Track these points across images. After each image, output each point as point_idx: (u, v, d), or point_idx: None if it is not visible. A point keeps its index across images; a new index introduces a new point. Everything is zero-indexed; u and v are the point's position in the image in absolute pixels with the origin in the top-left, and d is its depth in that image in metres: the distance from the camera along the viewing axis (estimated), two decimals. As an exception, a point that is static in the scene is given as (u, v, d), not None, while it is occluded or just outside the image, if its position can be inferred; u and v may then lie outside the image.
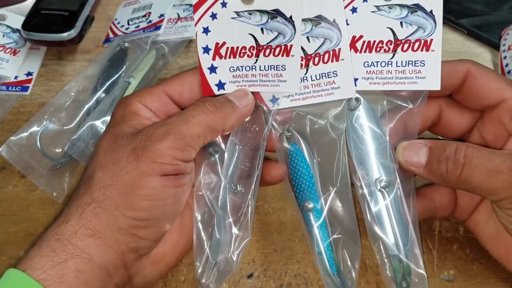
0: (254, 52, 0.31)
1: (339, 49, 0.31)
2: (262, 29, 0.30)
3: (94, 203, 0.28)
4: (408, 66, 0.30)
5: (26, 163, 0.40)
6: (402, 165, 0.32)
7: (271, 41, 0.31)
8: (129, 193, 0.28)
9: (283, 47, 0.30)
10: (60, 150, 0.42)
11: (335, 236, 0.33)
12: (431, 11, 0.29)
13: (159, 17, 0.50)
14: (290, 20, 0.30)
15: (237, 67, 0.32)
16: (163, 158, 0.28)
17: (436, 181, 0.31)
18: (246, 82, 0.32)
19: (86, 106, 0.43)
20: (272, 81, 0.32)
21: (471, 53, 0.51)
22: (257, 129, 0.33)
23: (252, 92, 0.33)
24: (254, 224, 0.40)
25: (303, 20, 0.30)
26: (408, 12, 0.29)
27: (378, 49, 0.30)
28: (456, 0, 0.54)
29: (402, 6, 0.29)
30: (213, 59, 0.32)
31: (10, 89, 0.48)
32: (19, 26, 0.47)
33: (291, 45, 0.30)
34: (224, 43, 0.31)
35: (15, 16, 0.50)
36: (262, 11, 0.30)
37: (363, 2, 0.29)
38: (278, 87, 0.32)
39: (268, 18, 0.30)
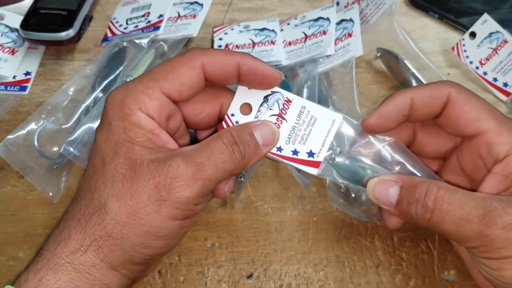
0: (251, 45, 0.48)
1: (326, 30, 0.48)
2: (256, 35, 0.49)
3: (110, 240, 0.27)
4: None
5: (23, 162, 0.40)
6: (373, 202, 0.31)
7: (262, 40, 0.49)
8: (147, 235, 0.28)
9: (270, 41, 0.49)
10: (57, 149, 0.41)
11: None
12: (327, 18, 0.48)
13: (159, 17, 0.49)
14: (273, 31, 0.50)
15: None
16: (187, 206, 0.28)
17: (408, 221, 0.30)
18: None
19: (84, 105, 0.43)
20: (265, 56, 0.47)
21: (471, 52, 0.51)
22: None
23: None
24: (253, 224, 0.40)
25: (309, 20, 0.49)
26: (313, 21, 0.49)
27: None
28: (456, -1, 0.54)
29: (309, 20, 0.49)
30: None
31: (8, 88, 0.47)
32: (17, 26, 0.47)
33: (275, 40, 0.49)
34: (231, 43, 0.49)
35: (14, 16, 0.49)
36: (255, 29, 0.50)
37: (287, 24, 0.51)
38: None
39: (259, 31, 0.50)
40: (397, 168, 0.32)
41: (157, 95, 0.29)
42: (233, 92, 0.32)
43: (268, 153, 0.32)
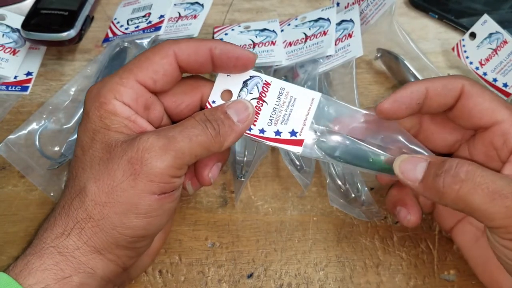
0: (251, 46, 0.48)
1: (326, 30, 0.48)
2: (256, 36, 0.49)
3: (92, 222, 0.28)
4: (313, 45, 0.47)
5: (24, 162, 0.40)
6: (398, 178, 0.31)
7: (262, 40, 0.49)
8: (126, 213, 0.28)
9: (270, 42, 0.48)
10: (58, 149, 0.41)
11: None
12: (328, 18, 0.48)
13: (159, 18, 0.50)
14: (274, 31, 0.49)
15: None
16: (161, 178, 0.28)
17: (431, 197, 0.30)
18: None
19: (85, 106, 0.43)
20: (266, 57, 0.47)
21: (471, 52, 0.51)
22: None
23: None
24: (253, 224, 0.40)
25: (310, 21, 0.49)
26: (313, 21, 0.49)
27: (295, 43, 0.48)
28: (456, -1, 0.54)
29: (310, 21, 0.49)
30: None
31: (9, 89, 0.48)
32: (18, 26, 0.47)
33: (276, 40, 0.48)
34: None
35: (15, 16, 0.50)
36: (256, 30, 0.50)
37: (288, 25, 0.50)
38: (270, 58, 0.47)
39: (259, 31, 0.49)
40: (389, 145, 0.33)
41: (131, 84, 0.30)
42: (212, 83, 0.33)
43: (252, 136, 0.32)
